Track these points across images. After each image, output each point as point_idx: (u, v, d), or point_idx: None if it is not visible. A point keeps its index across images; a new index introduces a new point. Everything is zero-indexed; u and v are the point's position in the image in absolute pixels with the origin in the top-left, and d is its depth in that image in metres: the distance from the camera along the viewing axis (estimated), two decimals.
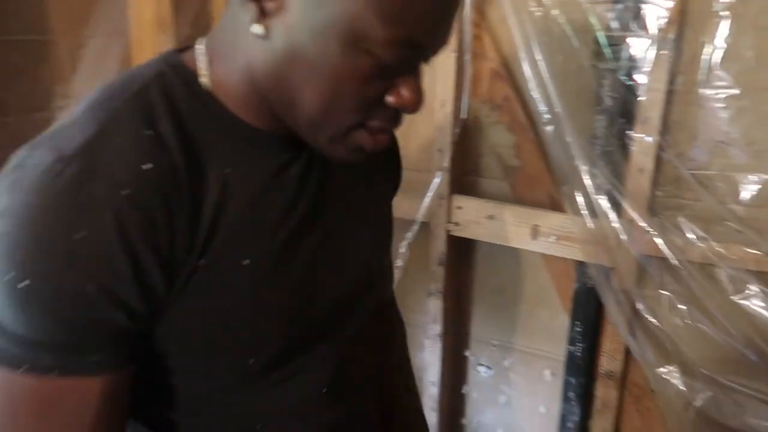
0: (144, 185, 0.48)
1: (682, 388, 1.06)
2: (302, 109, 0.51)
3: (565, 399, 1.38)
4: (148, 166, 0.48)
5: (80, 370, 0.48)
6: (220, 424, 0.60)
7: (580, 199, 1.17)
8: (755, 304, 1.04)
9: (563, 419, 1.39)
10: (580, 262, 1.26)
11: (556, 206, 1.28)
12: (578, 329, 1.31)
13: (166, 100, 0.51)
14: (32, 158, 0.48)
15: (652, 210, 1.15)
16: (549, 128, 1.17)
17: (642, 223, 1.11)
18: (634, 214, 1.12)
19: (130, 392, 0.53)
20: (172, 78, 0.53)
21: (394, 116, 0.54)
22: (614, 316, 1.15)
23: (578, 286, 1.29)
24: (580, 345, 1.31)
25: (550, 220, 1.25)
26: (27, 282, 0.45)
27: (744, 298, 1.04)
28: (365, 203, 0.68)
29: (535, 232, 1.27)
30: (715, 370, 1.06)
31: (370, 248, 0.69)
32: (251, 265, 0.54)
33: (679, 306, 1.09)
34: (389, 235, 0.75)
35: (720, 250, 1.09)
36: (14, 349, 0.47)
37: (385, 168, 0.74)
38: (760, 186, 1.08)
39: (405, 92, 0.51)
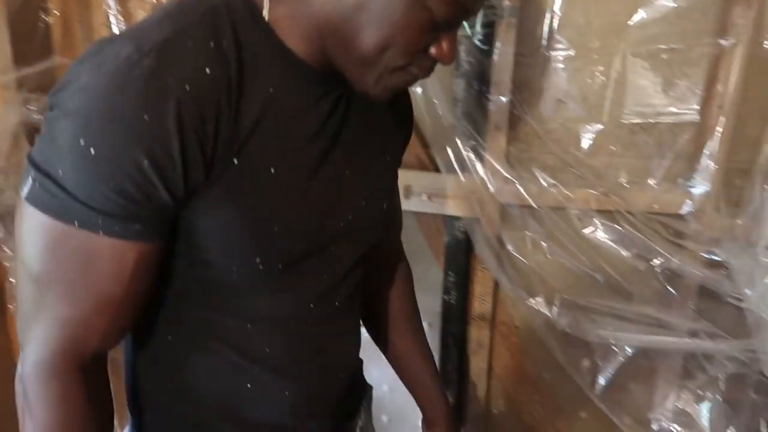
0: (203, 86, 0.56)
1: (548, 314, 1.20)
2: (359, 50, 0.60)
3: (444, 346, 1.49)
4: (208, 71, 0.56)
5: (122, 234, 0.57)
6: (215, 316, 0.69)
7: (449, 157, 1.27)
8: (600, 236, 1.21)
9: (443, 364, 1.50)
10: (449, 216, 1.36)
11: (424, 167, 1.37)
12: (451, 279, 1.42)
13: (231, 23, 0.59)
14: (112, 47, 0.55)
15: (510, 163, 1.28)
16: (417, 90, 1.25)
17: (505, 175, 1.24)
18: (497, 167, 1.24)
19: (158, 266, 0.63)
20: (239, 6, 0.61)
21: (430, 66, 0.64)
22: (487, 260, 1.27)
23: (449, 239, 1.40)
24: (454, 293, 1.43)
25: (421, 179, 1.33)
26: (95, 150, 0.53)
27: (591, 232, 1.21)
28: (375, 148, 0.76)
29: (408, 192, 1.34)
30: (574, 294, 1.22)
31: (373, 188, 0.77)
32: (276, 174, 0.63)
33: (541, 243, 1.24)
34: (393, 181, 0.85)
35: (568, 193, 1.25)
36: (71, 207, 0.55)
37: (398, 120, 0.81)
38: (594, 135, 1.26)
39: (445, 46, 0.61)
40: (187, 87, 0.55)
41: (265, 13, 0.62)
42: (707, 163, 1.14)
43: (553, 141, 1.28)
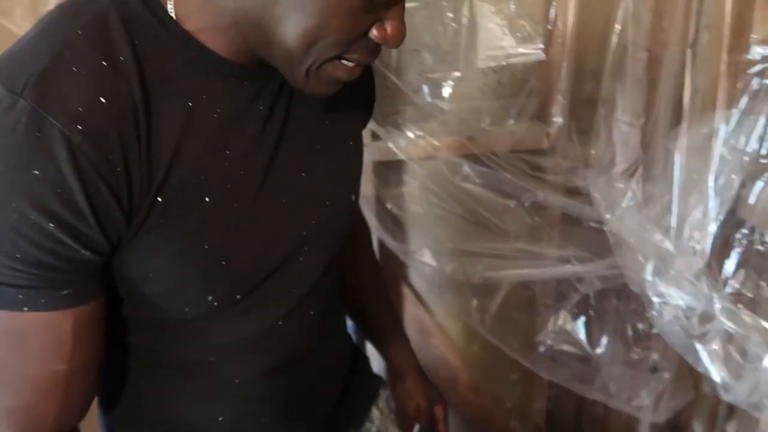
0: (100, 121, 0.46)
1: (434, 264, 1.24)
2: (282, 43, 0.49)
3: None
4: (104, 100, 0.46)
5: (50, 306, 0.49)
6: (175, 355, 0.62)
7: None
8: (471, 181, 1.25)
9: None
10: None
11: None
12: None
13: (127, 28, 0.49)
14: None
15: (376, 119, 1.27)
16: None
17: (373, 131, 1.23)
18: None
19: (104, 319, 0.55)
20: (135, 4, 0.50)
21: (374, 49, 0.53)
22: (368, 221, 1.27)
23: None
24: None
25: None
26: None
27: (462, 180, 1.25)
28: (332, 138, 0.65)
29: None
30: (456, 242, 1.26)
31: (337, 183, 0.67)
32: (213, 203, 0.53)
33: (418, 197, 1.26)
34: (359, 169, 0.74)
35: (435, 142, 1.27)
36: None
37: (356, 100, 0.70)
38: (453, 82, 1.28)
39: (390, 28, 0.51)
40: (80, 126, 0.44)
41: (170, 8, 0.50)
42: (557, 99, 1.21)
43: (414, 92, 1.28)
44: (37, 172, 0.44)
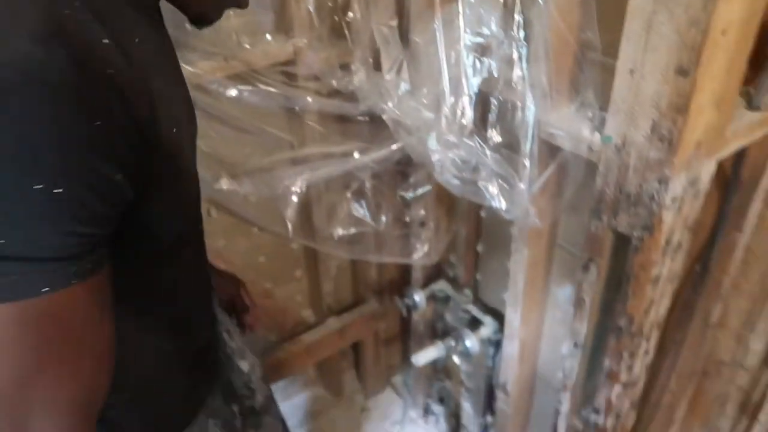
0: (116, 57, 0.47)
1: (234, 188, 1.26)
2: None
3: None
4: (105, 41, 0.47)
5: (95, 269, 0.48)
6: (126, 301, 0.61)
7: None
8: (241, 100, 1.27)
9: None
10: None
11: None
12: None
13: None
14: None
15: None
16: None
17: None
18: None
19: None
20: None
21: None
22: None
23: None
24: None
25: None
26: (46, 187, 0.42)
27: (233, 101, 1.26)
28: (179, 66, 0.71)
29: None
30: (250, 161, 1.29)
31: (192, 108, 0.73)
32: (177, 133, 0.58)
33: (207, 123, 1.24)
34: None
35: (193, 69, 1.24)
36: (32, 274, 0.43)
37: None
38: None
39: None
40: (110, 70, 0.46)
41: None
42: (306, 9, 1.29)
43: None
44: (99, 123, 0.44)
